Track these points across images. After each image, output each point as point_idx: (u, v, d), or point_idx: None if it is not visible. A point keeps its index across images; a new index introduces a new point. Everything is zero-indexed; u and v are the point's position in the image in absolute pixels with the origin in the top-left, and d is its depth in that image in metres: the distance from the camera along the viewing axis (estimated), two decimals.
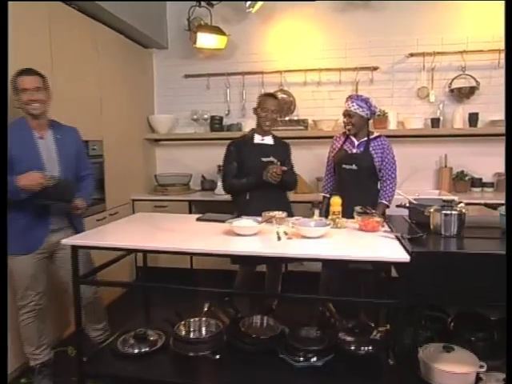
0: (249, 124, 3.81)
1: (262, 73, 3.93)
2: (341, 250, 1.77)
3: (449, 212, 1.81)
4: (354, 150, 2.64)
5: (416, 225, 2.03)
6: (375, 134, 2.67)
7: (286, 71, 3.90)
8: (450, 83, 3.65)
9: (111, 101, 3.38)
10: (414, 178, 3.83)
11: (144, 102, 4.02)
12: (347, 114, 2.59)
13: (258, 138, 2.70)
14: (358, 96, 2.58)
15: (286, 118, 3.85)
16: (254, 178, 2.59)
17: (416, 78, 3.74)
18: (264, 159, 2.64)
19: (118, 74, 3.51)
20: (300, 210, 3.46)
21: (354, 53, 3.80)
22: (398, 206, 2.04)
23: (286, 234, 1.97)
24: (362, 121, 2.58)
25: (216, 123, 3.91)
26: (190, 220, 2.42)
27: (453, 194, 3.49)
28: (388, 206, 2.58)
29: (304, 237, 1.91)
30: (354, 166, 2.60)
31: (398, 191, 2.18)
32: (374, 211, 2.19)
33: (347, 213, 2.23)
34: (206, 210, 3.83)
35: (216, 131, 3.89)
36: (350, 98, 2.60)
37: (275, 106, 2.64)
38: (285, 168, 2.56)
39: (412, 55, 3.69)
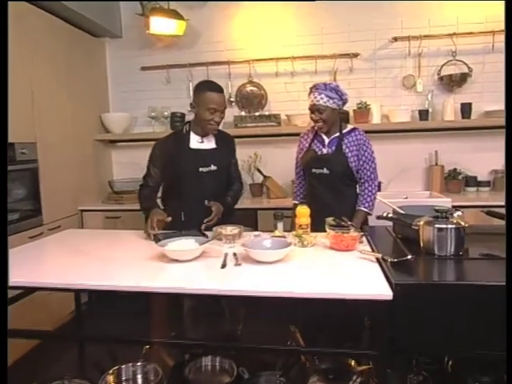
0: None
1: (228, 63, 3.48)
2: (297, 283, 1.31)
3: (443, 226, 1.37)
4: (325, 150, 2.19)
5: (402, 240, 1.60)
6: (349, 127, 2.22)
7: (255, 60, 3.46)
8: (439, 70, 3.24)
9: (50, 97, 2.90)
10: (400, 178, 3.42)
11: (96, 99, 3.54)
12: (315, 109, 2.11)
13: (195, 141, 2.06)
14: (326, 85, 2.10)
15: (256, 114, 3.40)
16: (150, 208, 1.99)
17: (401, 65, 3.32)
18: (203, 169, 2.04)
19: (60, 66, 3.02)
20: (272, 219, 3.03)
21: (332, 38, 3.37)
22: (378, 218, 1.60)
23: (235, 257, 1.52)
24: (334, 115, 2.12)
25: (177, 121, 3.44)
26: (126, 239, 1.95)
27: (445, 195, 3.08)
28: (369, 214, 2.14)
29: (257, 262, 1.46)
30: (325, 170, 2.15)
31: (379, 198, 1.75)
32: (350, 223, 1.76)
33: (320, 225, 1.79)
34: None
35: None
36: (315, 88, 2.11)
37: (223, 103, 2.00)
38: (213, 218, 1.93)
39: (396, 39, 3.28)
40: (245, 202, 3.30)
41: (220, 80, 3.56)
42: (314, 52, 3.38)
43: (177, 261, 1.50)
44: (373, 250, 1.54)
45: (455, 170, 3.28)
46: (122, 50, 3.66)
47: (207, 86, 2.00)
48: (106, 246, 1.83)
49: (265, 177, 3.38)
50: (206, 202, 1.98)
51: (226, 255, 1.55)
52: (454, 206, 2.87)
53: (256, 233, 1.85)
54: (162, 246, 1.52)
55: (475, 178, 3.28)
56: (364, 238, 1.73)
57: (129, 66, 3.65)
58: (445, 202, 2.83)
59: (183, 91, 3.60)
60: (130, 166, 3.73)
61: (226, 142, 2.18)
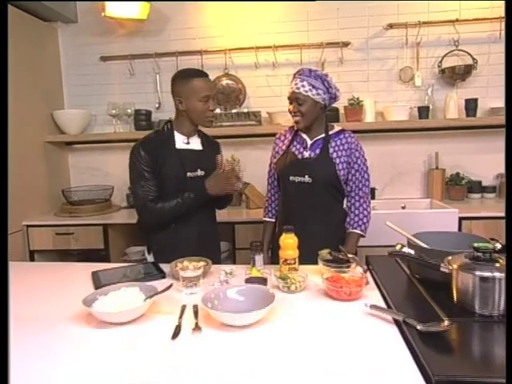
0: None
1: (201, 52, 3.02)
2: (281, 373, 0.86)
3: (488, 274, 0.97)
4: (306, 154, 1.75)
5: (421, 282, 1.20)
6: (336, 129, 1.80)
7: (232, 50, 3.00)
8: (440, 62, 2.86)
9: None
10: (397, 184, 3.04)
11: (47, 94, 3.03)
12: (294, 97, 1.70)
13: (180, 141, 1.74)
14: (312, 71, 1.68)
15: (234, 111, 2.96)
16: (194, 194, 1.66)
17: (397, 55, 2.92)
18: (190, 174, 1.72)
19: None
20: (253, 233, 2.61)
21: (319, 25, 2.95)
22: (391, 255, 1.18)
23: (195, 314, 1.08)
24: (315, 109, 1.69)
25: (142, 120, 2.97)
26: (61, 277, 1.50)
27: (446, 203, 2.71)
28: (363, 236, 1.73)
29: (224, 324, 1.03)
30: (306, 178, 1.72)
31: (388, 223, 1.35)
32: (351, 256, 1.34)
33: (303, 251, 1.39)
34: (129, 235, 2.93)
35: (143, 130, 2.93)
36: (298, 74, 1.71)
37: (214, 88, 1.75)
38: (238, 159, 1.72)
39: (391, 26, 2.88)
40: (221, 213, 2.85)
41: None
42: (298, 40, 2.95)
43: (110, 323, 1.05)
44: (385, 300, 1.13)
45: (458, 174, 2.92)
46: (77, 36, 3.15)
47: (192, 73, 1.69)
48: (22, 294, 1.36)
49: (243, 184, 2.94)
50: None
51: (182, 310, 1.12)
52: (460, 218, 2.53)
53: (228, 268, 1.42)
54: (89, 303, 1.06)
55: (480, 182, 2.92)
56: (368, 275, 1.33)
57: (86, 55, 3.15)
58: (451, 212, 2.47)
59: (149, 85, 3.12)
60: (88, 172, 3.25)
61: (212, 147, 1.86)
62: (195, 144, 1.79)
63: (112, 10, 2.69)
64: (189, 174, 1.73)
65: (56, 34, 3.15)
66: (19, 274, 1.58)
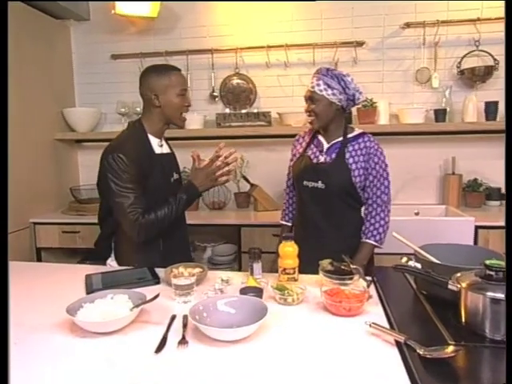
0: (195, 119, 2.87)
1: (211, 51, 2.97)
2: None
3: (500, 295, 0.88)
4: (322, 158, 1.68)
5: (428, 299, 1.11)
6: (356, 132, 1.71)
7: (243, 49, 2.95)
8: (460, 62, 2.74)
9: None
10: (410, 189, 2.92)
11: (58, 91, 3.03)
12: (309, 96, 1.64)
13: (156, 145, 1.62)
14: (329, 70, 1.62)
15: (243, 111, 2.90)
16: (186, 195, 1.54)
17: (414, 56, 2.81)
18: (172, 179, 1.67)
19: (13, 53, 2.51)
20: (259, 236, 2.55)
21: (332, 24, 2.86)
22: (396, 269, 1.10)
23: (184, 327, 1.02)
24: (330, 110, 1.62)
25: None
26: (54, 280, 1.46)
27: (462, 211, 2.59)
28: (379, 247, 1.64)
29: (212, 339, 0.97)
30: (319, 184, 1.64)
31: (395, 234, 1.26)
32: (354, 267, 1.27)
33: (308, 260, 1.32)
34: None
35: None
36: (316, 72, 1.65)
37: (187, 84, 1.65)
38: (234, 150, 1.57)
39: (409, 26, 2.77)
40: (228, 215, 2.81)
41: (202, 71, 3.09)
42: (311, 40, 2.87)
43: (94, 333, 1.01)
44: (387, 317, 1.06)
45: (476, 180, 2.79)
46: (89, 34, 3.15)
47: (167, 68, 1.60)
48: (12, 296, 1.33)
49: (252, 185, 2.88)
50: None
51: (171, 321, 1.06)
52: (477, 227, 2.41)
53: (224, 275, 1.36)
54: (73, 312, 1.02)
55: (499, 189, 2.79)
56: (372, 288, 1.25)
57: (97, 53, 3.14)
58: (467, 221, 2.35)
59: None
60: (97, 170, 3.23)
61: (172, 151, 1.79)
62: (165, 147, 1.70)
63: (122, 7, 2.66)
64: (172, 178, 1.67)
65: (68, 32, 3.16)
66: (14, 274, 1.56)
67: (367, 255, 1.61)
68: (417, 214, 2.74)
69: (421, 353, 0.81)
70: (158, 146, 1.64)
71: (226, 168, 1.54)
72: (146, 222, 1.46)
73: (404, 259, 1.13)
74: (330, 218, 1.65)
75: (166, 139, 1.74)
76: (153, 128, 1.61)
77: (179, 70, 1.64)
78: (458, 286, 0.94)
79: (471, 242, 2.30)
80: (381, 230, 1.61)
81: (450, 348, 0.81)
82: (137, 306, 1.04)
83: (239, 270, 2.55)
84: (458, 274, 0.98)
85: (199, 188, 1.55)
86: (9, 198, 2.42)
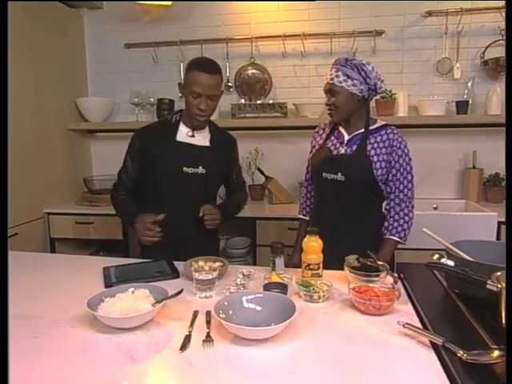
0: None
1: (226, 40, 2.91)
2: None
3: None
4: (342, 150, 1.62)
5: (461, 298, 1.07)
6: (379, 123, 1.65)
7: (258, 38, 2.88)
8: (483, 52, 2.64)
9: (11, 79, 2.36)
10: (429, 183, 2.84)
11: (71, 81, 3.00)
12: (328, 89, 1.58)
13: (183, 133, 1.64)
14: (348, 60, 1.55)
15: (258, 102, 2.84)
16: (137, 216, 1.55)
17: (435, 46, 2.73)
18: (188, 170, 1.61)
19: (25, 42, 2.48)
20: (275, 229, 2.51)
21: (351, 12, 2.78)
22: (429, 267, 1.05)
23: (208, 323, 0.99)
24: (351, 102, 1.56)
25: (165, 109, 2.90)
26: (73, 272, 1.44)
27: (483, 206, 2.52)
28: (402, 243, 1.59)
29: (238, 336, 0.93)
30: (339, 176, 1.58)
31: (425, 230, 1.21)
32: (381, 263, 1.22)
33: (329, 254, 1.27)
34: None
35: None
36: (334, 63, 1.59)
37: (213, 87, 1.51)
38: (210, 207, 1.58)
39: (430, 14, 2.68)
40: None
41: (216, 61, 2.99)
42: (328, 29, 2.80)
43: (115, 328, 0.98)
44: (419, 316, 1.01)
45: (497, 174, 2.71)
46: (102, 23, 3.10)
47: (196, 64, 1.55)
48: (28, 288, 1.30)
49: (267, 178, 2.84)
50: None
51: (194, 317, 1.03)
52: (500, 222, 2.34)
53: (245, 270, 1.32)
54: (94, 305, 0.99)
55: None
56: (399, 285, 1.20)
57: (111, 42, 3.10)
58: (489, 216, 2.29)
59: (173, 73, 3.05)
60: (110, 161, 3.17)
61: (224, 144, 1.73)
62: (201, 138, 1.66)
63: None
64: (186, 169, 1.60)
65: (81, 20, 3.11)
66: (29, 264, 1.54)
67: (391, 252, 1.56)
68: (435, 208, 2.67)
69: (463, 357, 0.77)
70: (187, 135, 1.64)
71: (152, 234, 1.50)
72: (112, 195, 1.74)
73: (436, 256, 1.08)
74: (347, 212, 1.60)
75: (220, 133, 1.73)
76: (185, 117, 1.65)
77: (209, 72, 1.50)
78: (499, 285, 0.90)
79: (493, 239, 2.24)
80: (405, 226, 1.55)
81: (496, 353, 0.76)
82: (159, 301, 1.01)
83: (254, 263, 2.51)
84: (499, 273, 0.93)
85: (134, 224, 1.56)
86: (22, 189, 2.43)
